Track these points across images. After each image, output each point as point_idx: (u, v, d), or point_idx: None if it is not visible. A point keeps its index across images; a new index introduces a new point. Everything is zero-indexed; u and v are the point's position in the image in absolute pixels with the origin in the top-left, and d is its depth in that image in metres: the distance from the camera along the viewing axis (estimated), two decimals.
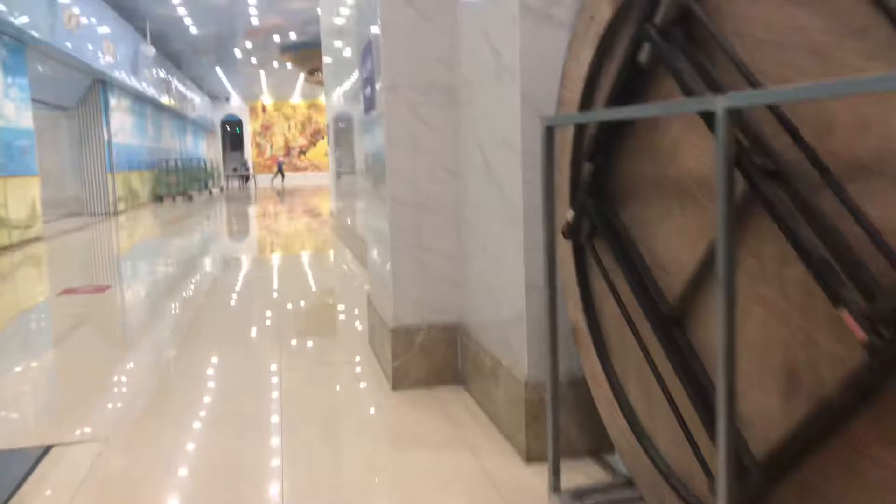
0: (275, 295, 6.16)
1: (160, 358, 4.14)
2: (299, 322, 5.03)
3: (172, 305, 5.87)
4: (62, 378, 3.90)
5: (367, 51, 3.65)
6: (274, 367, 3.80)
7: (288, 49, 24.50)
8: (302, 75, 32.63)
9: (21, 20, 10.05)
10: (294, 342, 4.39)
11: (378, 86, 3.45)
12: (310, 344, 4.38)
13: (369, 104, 3.71)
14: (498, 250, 2.78)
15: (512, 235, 2.58)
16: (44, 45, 11.50)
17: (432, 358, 3.38)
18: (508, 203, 2.60)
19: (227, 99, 41.82)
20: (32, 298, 6.55)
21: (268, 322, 5.03)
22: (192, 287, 6.69)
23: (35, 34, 10.73)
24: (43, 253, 10.19)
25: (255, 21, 20.06)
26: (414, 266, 3.36)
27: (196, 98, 31.77)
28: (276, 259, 8.78)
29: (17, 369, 4.00)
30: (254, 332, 4.74)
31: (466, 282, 3.28)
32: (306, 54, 24.38)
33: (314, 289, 6.64)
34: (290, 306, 5.57)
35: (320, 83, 30.00)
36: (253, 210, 18.52)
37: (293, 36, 22.61)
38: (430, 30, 3.29)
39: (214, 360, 4.07)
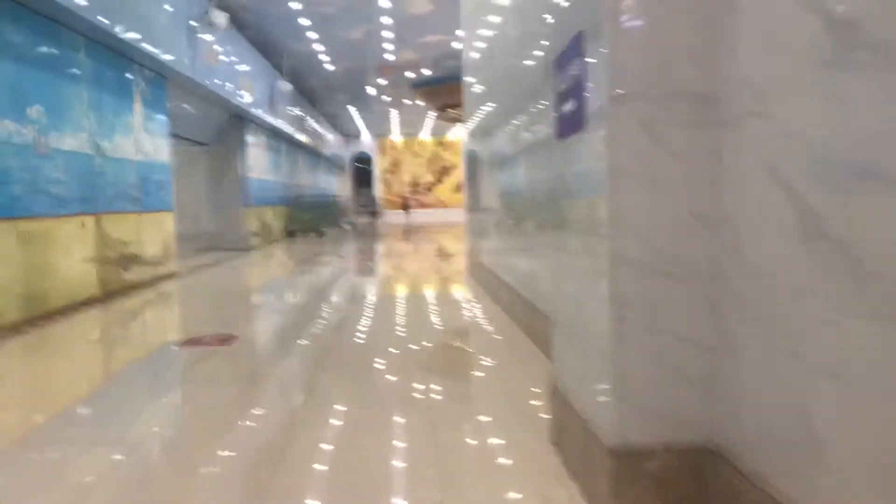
0: (420, 347, 5.23)
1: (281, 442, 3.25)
2: (454, 393, 4.04)
3: (302, 367, 5.06)
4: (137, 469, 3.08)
5: (570, 53, 2.66)
6: (424, 453, 2.81)
7: (420, 85, 24.23)
8: (432, 113, 32.49)
9: (162, 54, 9.89)
10: (449, 433, 3.40)
11: (590, 97, 2.44)
12: (466, 427, 3.38)
13: (570, 125, 2.70)
14: (821, 350, 1.67)
15: (877, 333, 1.47)
16: (184, 80, 11.39)
17: (670, 495, 2.28)
18: (869, 282, 1.49)
19: (358, 136, 42.53)
20: (151, 347, 5.96)
21: (415, 394, 4.07)
22: (326, 339, 5.89)
23: (175, 68, 10.59)
24: (175, 292, 9.84)
25: (389, 57, 19.82)
26: (646, 359, 2.28)
27: (329, 135, 32.24)
28: (415, 303, 7.93)
29: (100, 450, 3.23)
30: (394, 403, 3.79)
31: (730, 385, 2.17)
32: (438, 91, 24.01)
33: (459, 343, 5.67)
34: (438, 364, 4.60)
35: (452, 120, 29.67)
36: (383, 247, 18.01)
37: (426, 72, 22.26)
38: (678, 16, 2.25)
39: (348, 436, 3.13)
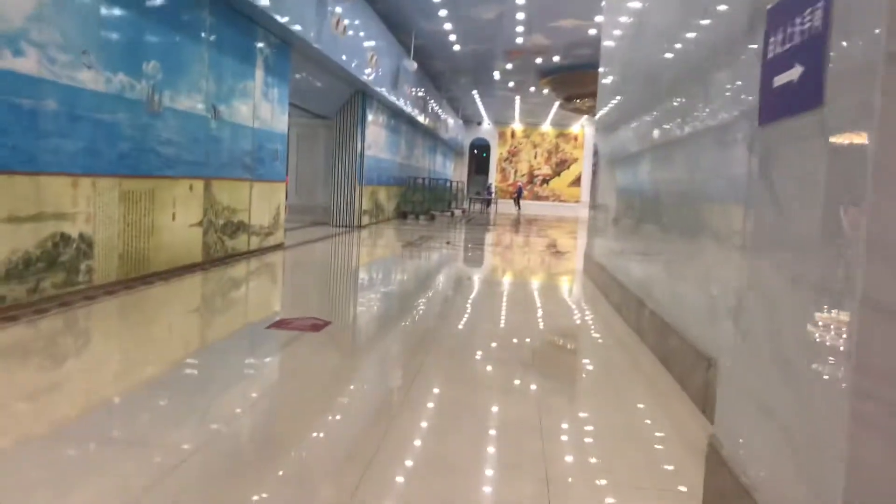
0: (522, 343, 4.54)
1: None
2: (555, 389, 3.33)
3: (395, 365, 4.47)
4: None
5: (789, 6, 1.88)
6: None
7: (548, 73, 23.30)
8: (557, 102, 31.47)
9: (287, 19, 9.57)
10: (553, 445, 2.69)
11: (837, 58, 1.65)
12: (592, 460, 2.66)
13: (792, 101, 1.90)
14: None
15: None
16: (309, 49, 11.09)
17: None
18: None
19: (479, 123, 41.97)
20: (238, 325, 5.54)
21: (514, 391, 3.39)
22: (424, 331, 5.30)
23: (302, 36, 10.26)
24: (278, 263, 9.57)
25: (519, 41, 19.02)
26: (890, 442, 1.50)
27: (450, 119, 31.82)
28: (522, 297, 7.23)
29: (175, 437, 2.73)
30: (496, 426, 3.12)
31: None
32: (565, 79, 23.02)
33: (565, 344, 4.93)
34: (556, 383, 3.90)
35: (578, 111, 28.57)
36: (493, 236, 17.35)
37: (556, 59, 21.31)
38: None
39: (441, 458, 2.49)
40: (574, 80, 22.67)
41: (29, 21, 5.13)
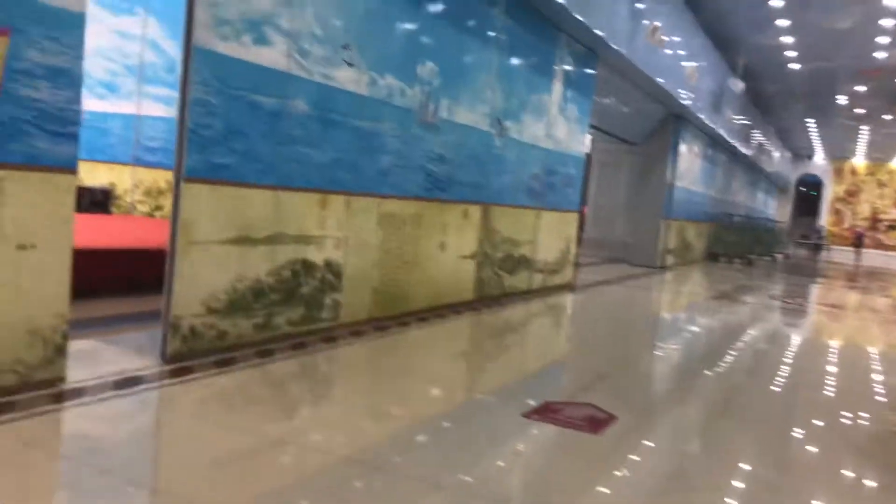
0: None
1: None
2: None
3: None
4: None
5: None
6: None
7: None
8: None
9: (596, 22, 8.12)
10: None
11: None
12: None
13: None
14: None
15: None
16: (618, 61, 9.53)
17: None
18: None
19: (809, 156, 36.84)
20: (491, 401, 4.10)
21: None
22: (759, 440, 3.41)
23: (611, 44, 8.74)
24: (563, 308, 8.11)
25: (880, 55, 15.49)
26: None
27: (774, 151, 28.00)
28: (861, 369, 4.88)
29: None
30: None
31: None
32: None
33: None
34: None
35: None
36: (824, 290, 14.06)
37: None
38: None
39: None
40: None
41: (279, 4, 4.29)
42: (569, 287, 9.19)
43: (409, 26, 5.51)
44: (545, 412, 3.69)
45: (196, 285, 3.97)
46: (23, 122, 3.00)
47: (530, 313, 7.34)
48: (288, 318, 4.64)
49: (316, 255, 4.82)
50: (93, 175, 7.87)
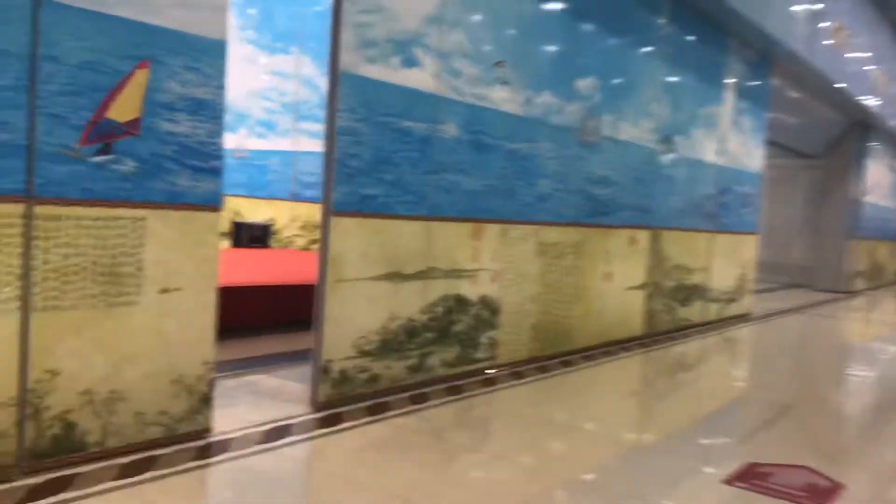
0: None
1: None
2: None
3: None
4: None
5: None
6: None
7: None
8: None
9: (771, 24, 7.30)
10: None
11: None
12: None
13: None
14: None
15: None
16: (795, 65, 8.56)
17: None
18: None
19: None
20: (680, 460, 3.47)
21: None
22: None
23: (788, 47, 7.85)
24: (744, 343, 7.24)
25: None
26: None
27: None
28: None
29: None
30: None
31: None
32: None
33: None
34: None
35: None
36: None
37: None
38: None
39: None
40: None
41: (428, 22, 3.99)
42: (747, 318, 8.26)
43: (566, 39, 5.07)
44: (750, 477, 3.04)
45: (347, 325, 3.69)
46: (163, 157, 2.84)
47: (706, 349, 6.57)
48: (442, 359, 4.27)
49: (470, 290, 4.44)
50: (254, 211, 8.03)
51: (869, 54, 11.11)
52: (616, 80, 5.63)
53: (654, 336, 6.41)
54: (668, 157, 6.41)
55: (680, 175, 6.66)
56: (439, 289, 4.21)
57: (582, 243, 5.41)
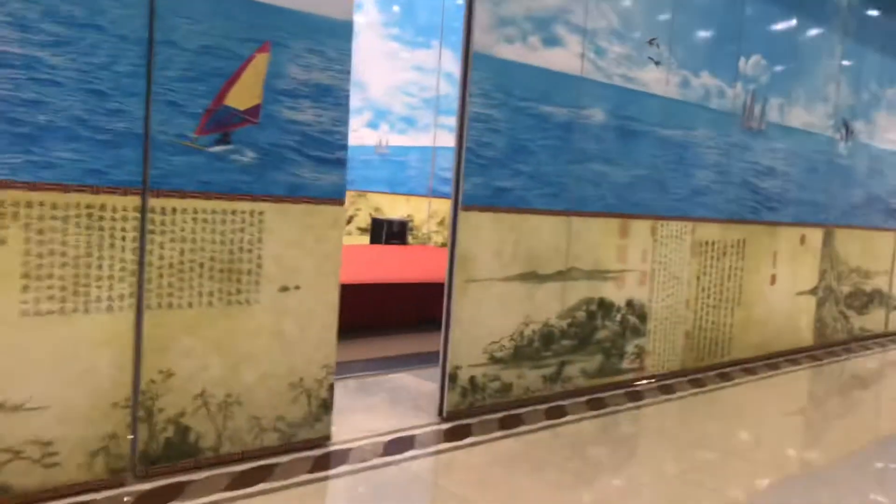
0: None
1: None
2: None
3: None
4: None
5: None
6: None
7: None
8: None
9: None
10: None
11: None
12: None
13: None
14: None
15: None
16: None
17: None
18: None
19: None
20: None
21: None
22: None
23: None
24: None
25: None
26: None
27: None
28: None
29: None
30: None
31: None
32: None
33: None
34: None
35: None
36: None
37: None
38: None
39: None
40: None
41: None
42: None
43: (728, 11, 4.50)
44: None
45: (477, 329, 3.39)
46: (284, 147, 2.66)
47: (887, 363, 5.73)
48: (582, 369, 3.88)
49: (615, 293, 4.01)
50: (394, 208, 7.97)
51: None
52: (786, 59, 4.97)
53: (826, 347, 5.67)
54: (845, 146, 5.63)
55: (859, 166, 5.85)
56: (580, 291, 3.83)
57: (744, 242, 4.82)
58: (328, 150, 2.79)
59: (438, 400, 3.36)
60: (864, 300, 6.13)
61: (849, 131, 5.64)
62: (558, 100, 3.59)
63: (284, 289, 2.71)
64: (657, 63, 4.05)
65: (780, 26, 4.91)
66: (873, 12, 5.77)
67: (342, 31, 2.79)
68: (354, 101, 8.45)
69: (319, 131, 2.75)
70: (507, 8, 3.36)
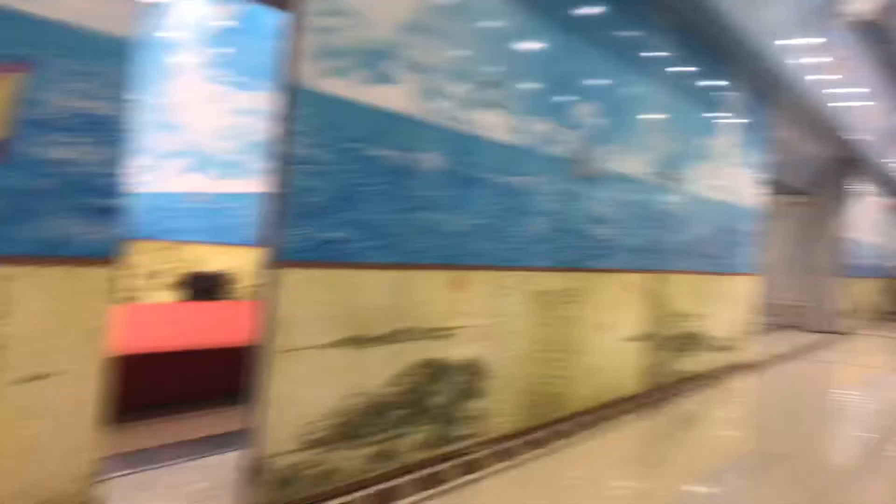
0: None
1: None
2: None
3: None
4: None
5: None
6: None
7: None
8: None
9: (772, 48, 6.71)
10: None
11: None
12: None
13: None
14: None
15: None
16: (794, 97, 8.00)
17: None
18: None
19: None
20: None
21: None
22: None
23: (787, 72, 7.29)
24: (754, 398, 6.54)
25: None
26: None
27: None
28: None
29: None
30: None
31: None
32: None
33: None
34: None
35: None
36: None
37: None
38: None
39: None
40: None
41: (404, 31, 3.26)
42: (751, 366, 7.57)
43: (562, 58, 4.36)
44: None
45: (294, 407, 2.88)
46: (40, 194, 2.05)
47: (714, 407, 5.85)
48: (417, 442, 3.48)
49: (453, 353, 3.66)
50: (213, 259, 7.19)
51: (864, 90, 10.66)
52: (617, 109, 4.94)
53: (652, 392, 5.68)
54: (668, 193, 5.73)
55: (679, 212, 5.98)
56: (414, 353, 3.43)
57: (578, 290, 4.67)
58: (98, 196, 2.20)
59: (244, 495, 2.80)
60: (686, 342, 6.26)
61: (670, 179, 5.74)
62: (392, 142, 3.20)
63: (31, 378, 2.06)
64: (497, 107, 3.78)
65: (612, 77, 4.87)
66: (693, 67, 5.95)
67: (120, 50, 2.22)
68: (174, 145, 7.64)
69: (88, 173, 2.16)
70: (335, 38, 2.92)
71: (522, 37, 4.01)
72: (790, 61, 7.26)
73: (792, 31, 7.38)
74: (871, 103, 11.39)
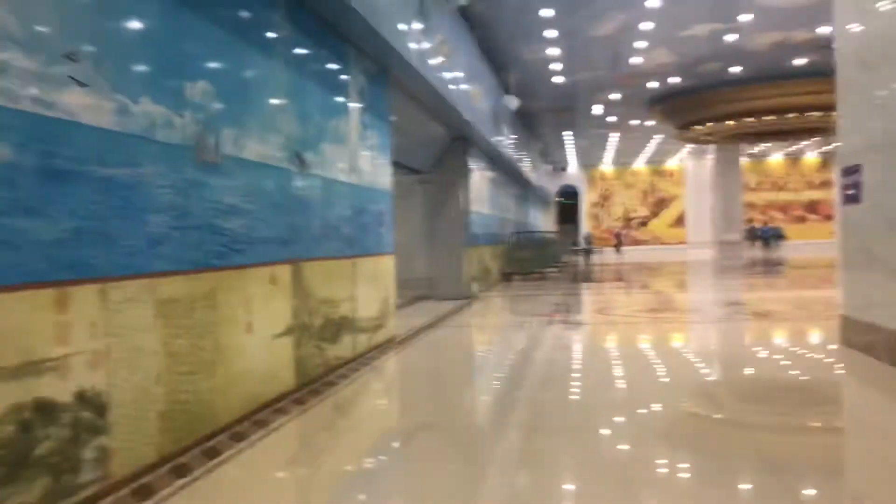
0: None
1: None
2: None
3: None
4: None
5: None
6: None
7: (661, 100, 20.29)
8: (657, 137, 28.49)
9: (388, 32, 6.91)
10: None
11: None
12: None
13: None
14: None
15: None
16: (410, 77, 8.43)
17: None
18: None
19: (563, 168, 39.28)
20: None
21: None
22: None
23: (405, 58, 7.61)
24: (399, 375, 6.75)
25: (636, 60, 16.15)
26: None
27: (539, 166, 29.11)
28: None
29: None
30: None
31: None
32: (685, 104, 19.97)
33: None
34: None
35: (694, 140, 25.33)
36: (649, 296, 14.10)
37: (673, 80, 18.34)
38: None
39: None
40: (696, 104, 19.60)
41: None
42: (393, 342, 7.83)
43: (165, 27, 3.85)
44: None
45: None
46: None
47: (365, 392, 5.87)
48: (21, 502, 2.77)
49: (58, 388, 2.99)
50: None
51: (466, 70, 11.74)
52: (235, 86, 4.56)
53: (307, 385, 5.49)
54: (301, 178, 5.54)
55: (316, 197, 5.85)
56: (5, 396, 2.71)
57: (215, 292, 4.23)
58: None
59: None
60: (335, 329, 6.19)
61: (302, 163, 5.56)
62: None
63: None
64: (82, 84, 3.15)
65: (232, 58, 4.48)
66: (311, 41, 5.82)
67: None
68: None
69: None
70: None
71: (125, 10, 3.41)
72: (404, 44, 7.58)
73: (405, 15, 7.70)
74: (475, 87, 12.63)
